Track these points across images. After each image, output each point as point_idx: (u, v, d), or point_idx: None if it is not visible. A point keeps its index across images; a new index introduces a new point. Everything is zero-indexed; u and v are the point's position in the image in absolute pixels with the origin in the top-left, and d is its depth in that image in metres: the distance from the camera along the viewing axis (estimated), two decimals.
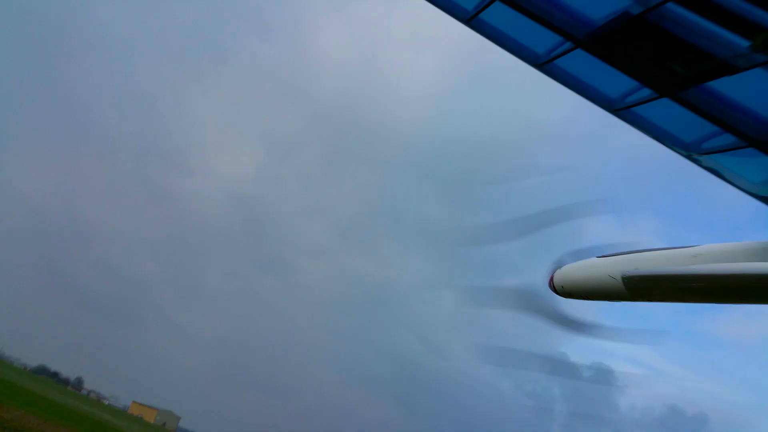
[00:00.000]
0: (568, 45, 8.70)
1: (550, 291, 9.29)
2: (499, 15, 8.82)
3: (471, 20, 9.16)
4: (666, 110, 8.75)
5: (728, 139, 8.56)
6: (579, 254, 9.10)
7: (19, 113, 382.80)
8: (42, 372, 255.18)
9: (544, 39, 8.84)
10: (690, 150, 9.44)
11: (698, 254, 8.55)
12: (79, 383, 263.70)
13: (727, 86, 7.83)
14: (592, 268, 8.57)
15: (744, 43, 7.24)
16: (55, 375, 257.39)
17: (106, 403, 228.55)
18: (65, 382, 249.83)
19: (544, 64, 9.39)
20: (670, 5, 7.13)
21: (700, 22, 7.33)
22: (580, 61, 8.84)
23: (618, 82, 8.93)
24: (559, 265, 9.50)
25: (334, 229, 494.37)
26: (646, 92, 8.78)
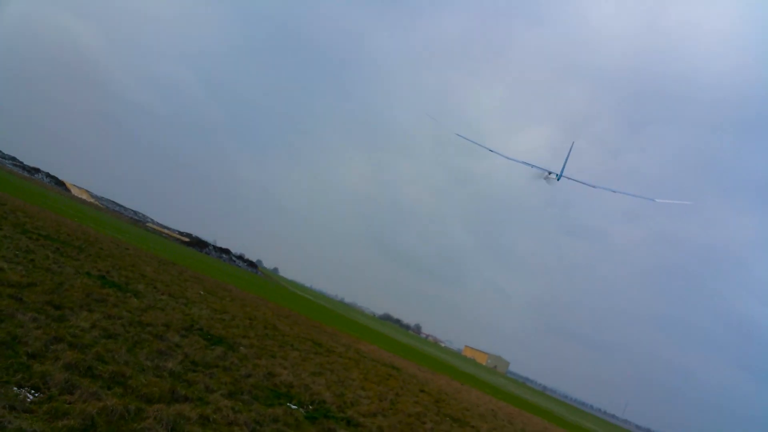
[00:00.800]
0: None
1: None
2: None
3: None
4: None
5: None
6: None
7: (337, 128, 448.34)
8: (387, 319, 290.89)
9: None
10: None
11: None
12: (418, 329, 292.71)
13: None
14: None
15: None
16: (397, 321, 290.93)
17: (443, 345, 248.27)
18: (406, 327, 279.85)
19: None
20: None
21: None
22: None
23: None
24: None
25: (642, 191, 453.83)
26: None
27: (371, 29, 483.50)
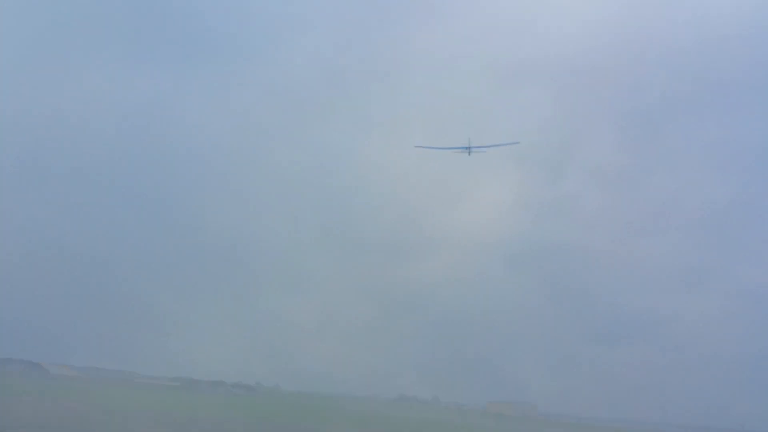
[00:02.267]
0: None
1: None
2: None
3: None
4: None
5: None
6: None
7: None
8: (402, 400, 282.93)
9: None
10: None
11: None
12: (436, 401, 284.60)
13: None
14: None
15: None
16: (413, 398, 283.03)
17: (465, 409, 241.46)
18: (423, 401, 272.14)
19: None
20: None
21: None
22: None
23: None
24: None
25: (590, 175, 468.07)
26: None
27: None
